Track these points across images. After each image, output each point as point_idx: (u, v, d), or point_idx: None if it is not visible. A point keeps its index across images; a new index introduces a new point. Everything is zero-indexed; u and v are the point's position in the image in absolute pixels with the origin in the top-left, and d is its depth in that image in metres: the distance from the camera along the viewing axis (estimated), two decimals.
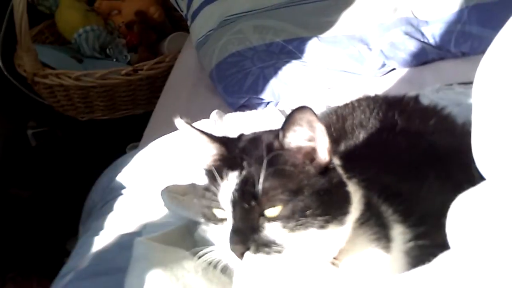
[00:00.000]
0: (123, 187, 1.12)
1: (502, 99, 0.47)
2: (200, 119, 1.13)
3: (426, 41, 1.42)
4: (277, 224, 0.57)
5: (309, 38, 1.45)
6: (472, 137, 0.53)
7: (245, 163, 0.59)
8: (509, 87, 0.46)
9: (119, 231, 0.96)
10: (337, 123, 0.84)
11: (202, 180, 0.98)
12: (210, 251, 0.63)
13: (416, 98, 0.93)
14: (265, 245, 0.57)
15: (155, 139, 1.19)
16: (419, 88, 1.20)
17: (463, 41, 1.40)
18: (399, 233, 0.62)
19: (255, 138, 0.63)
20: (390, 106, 0.86)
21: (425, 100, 0.96)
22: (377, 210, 0.61)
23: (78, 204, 1.26)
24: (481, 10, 1.40)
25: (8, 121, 2.02)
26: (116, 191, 1.11)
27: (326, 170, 0.60)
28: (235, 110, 1.34)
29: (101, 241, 0.95)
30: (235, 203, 0.58)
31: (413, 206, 0.64)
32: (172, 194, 0.95)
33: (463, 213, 0.50)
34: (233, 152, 0.61)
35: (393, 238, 0.62)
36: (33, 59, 1.76)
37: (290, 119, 0.58)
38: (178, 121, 0.62)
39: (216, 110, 1.19)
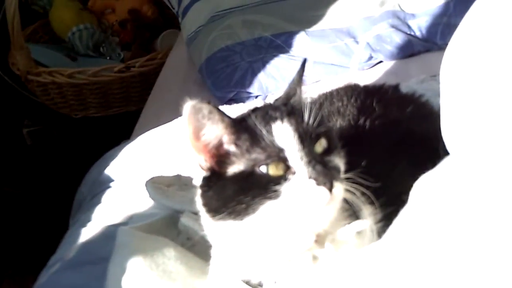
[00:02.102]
0: (112, 180, 1.13)
1: (465, 75, 0.49)
2: None
3: (412, 33, 1.43)
4: (335, 153, 0.62)
5: (297, 32, 1.46)
6: (441, 113, 0.55)
7: (277, 115, 0.61)
8: (471, 64, 0.48)
9: (106, 222, 0.98)
10: None
11: (189, 172, 1.00)
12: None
13: (395, 87, 0.94)
14: (338, 174, 0.60)
15: None
16: (405, 80, 1.21)
17: (448, 33, 1.39)
18: (369, 213, 0.63)
19: (263, 107, 0.66)
20: (368, 94, 0.87)
21: (406, 90, 0.97)
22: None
23: (72, 201, 1.27)
24: (466, 2, 1.40)
25: (4, 120, 2.04)
26: (104, 184, 1.13)
27: None
28: (224, 104, 1.35)
29: (88, 232, 0.97)
30: (300, 142, 0.59)
31: (383, 189, 0.65)
32: (157, 185, 0.97)
33: (424, 187, 0.52)
34: (255, 118, 0.61)
35: (363, 218, 0.63)
36: (26, 57, 1.78)
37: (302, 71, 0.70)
38: (188, 104, 0.59)
39: None
